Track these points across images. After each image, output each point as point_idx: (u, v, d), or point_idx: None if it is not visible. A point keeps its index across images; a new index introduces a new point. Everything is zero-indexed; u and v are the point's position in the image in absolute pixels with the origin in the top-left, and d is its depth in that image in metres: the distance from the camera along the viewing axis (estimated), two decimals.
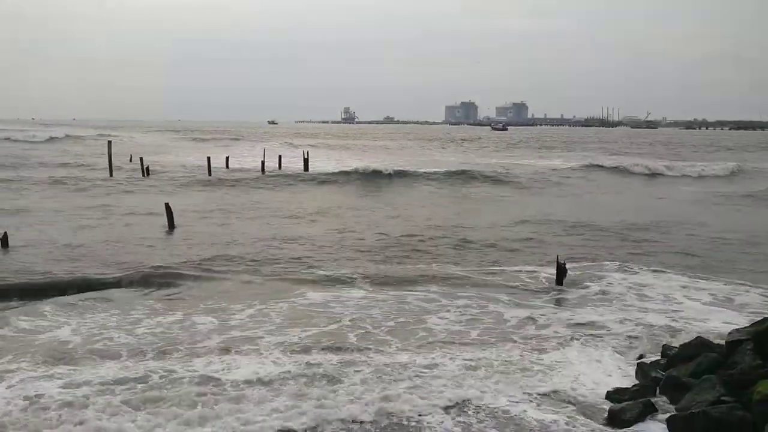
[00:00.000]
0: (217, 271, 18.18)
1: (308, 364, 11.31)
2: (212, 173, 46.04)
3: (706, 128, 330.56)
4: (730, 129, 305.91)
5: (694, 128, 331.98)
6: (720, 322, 13.85)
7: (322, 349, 12.32)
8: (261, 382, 10.60)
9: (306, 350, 12.25)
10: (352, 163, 58.45)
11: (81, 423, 8.99)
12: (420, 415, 9.67)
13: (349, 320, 14.18)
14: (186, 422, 9.18)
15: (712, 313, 14.79)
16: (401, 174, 46.58)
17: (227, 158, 52.46)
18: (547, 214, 30.31)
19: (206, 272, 18.03)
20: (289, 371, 11.02)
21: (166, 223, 25.11)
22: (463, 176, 46.66)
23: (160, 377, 10.64)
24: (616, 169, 55.74)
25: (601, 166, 57.57)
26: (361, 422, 9.45)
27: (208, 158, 47.94)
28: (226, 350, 12.17)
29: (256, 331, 13.43)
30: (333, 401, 9.94)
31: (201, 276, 17.61)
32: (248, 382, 10.52)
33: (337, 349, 12.32)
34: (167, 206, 25.59)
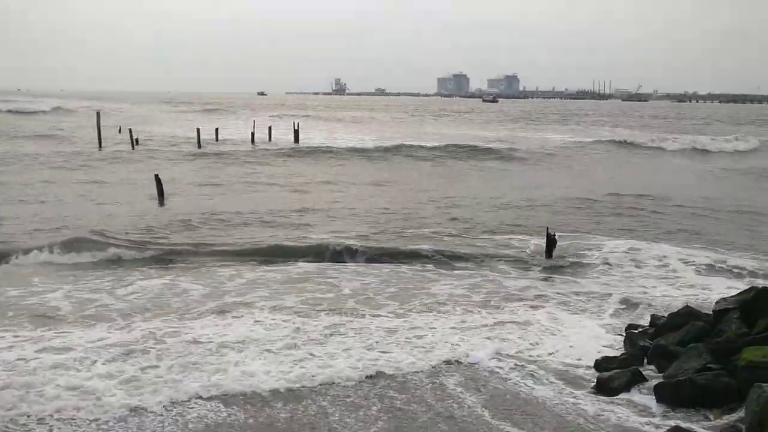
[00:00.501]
0: (209, 242, 18.16)
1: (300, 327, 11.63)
2: (201, 145, 45.84)
3: (697, 101, 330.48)
4: (720, 102, 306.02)
5: (686, 101, 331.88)
6: (710, 291, 14.07)
7: (321, 311, 12.72)
8: (251, 341, 11.01)
9: (302, 313, 12.57)
10: (345, 136, 58.43)
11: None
12: (407, 374, 10.00)
13: (349, 289, 14.46)
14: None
15: (702, 282, 15.06)
16: (400, 148, 45.54)
17: (216, 130, 52.11)
18: (554, 188, 30.46)
19: (197, 242, 18.04)
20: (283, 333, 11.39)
21: (156, 195, 25.05)
22: (469, 151, 45.51)
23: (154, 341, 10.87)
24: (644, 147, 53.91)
25: (629, 143, 55.39)
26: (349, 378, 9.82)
27: (198, 130, 47.67)
28: (220, 313, 12.47)
29: (250, 296, 13.68)
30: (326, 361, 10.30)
31: (192, 246, 17.61)
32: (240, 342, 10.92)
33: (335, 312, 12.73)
34: (157, 178, 25.49)
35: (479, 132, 69.61)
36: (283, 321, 12.07)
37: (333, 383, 9.62)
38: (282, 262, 16.35)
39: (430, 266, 16.45)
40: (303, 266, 16.16)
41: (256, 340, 11.09)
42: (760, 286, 11.09)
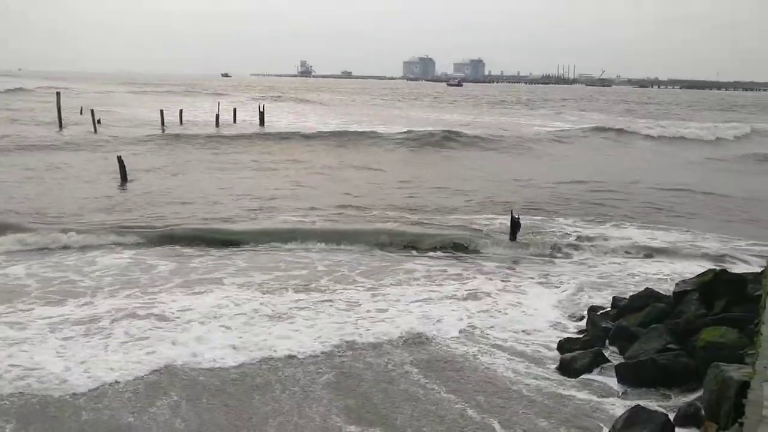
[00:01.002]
0: (173, 223, 17.99)
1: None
2: (165, 127, 45.24)
3: (659, 87, 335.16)
4: (681, 88, 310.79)
5: (647, 86, 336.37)
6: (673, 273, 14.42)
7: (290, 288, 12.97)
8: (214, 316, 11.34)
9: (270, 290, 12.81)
10: (315, 118, 58.03)
11: None
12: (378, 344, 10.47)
13: (323, 266, 14.81)
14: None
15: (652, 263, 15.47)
16: (370, 134, 43.41)
17: (180, 111, 51.34)
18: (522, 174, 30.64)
19: (162, 223, 17.87)
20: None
21: (119, 177, 24.70)
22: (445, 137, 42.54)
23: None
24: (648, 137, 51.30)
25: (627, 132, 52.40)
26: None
27: (161, 111, 46.92)
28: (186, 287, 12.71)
29: (218, 274, 13.85)
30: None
31: (157, 227, 17.44)
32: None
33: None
34: (119, 159, 25.12)
35: (456, 116, 69.30)
36: (251, 297, 12.33)
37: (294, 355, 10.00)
38: (250, 244, 16.37)
39: (393, 247, 16.65)
40: (266, 246, 16.25)
41: (218, 317, 11.29)
42: (718, 268, 11.40)
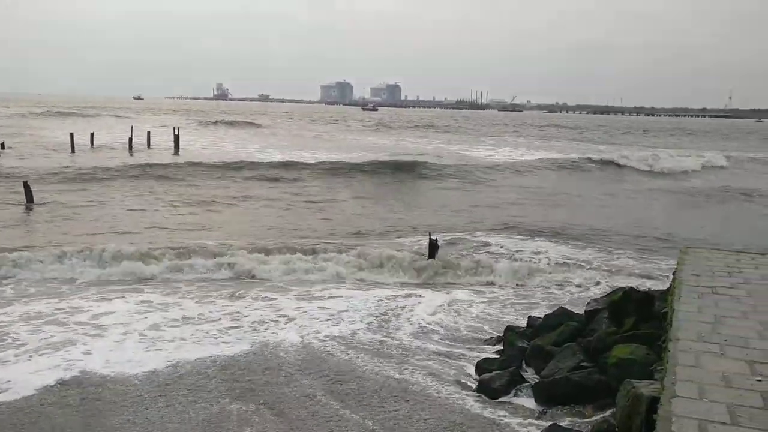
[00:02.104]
0: (80, 251, 17.26)
1: None
2: (75, 150, 43.87)
3: (567, 112, 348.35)
4: (588, 113, 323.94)
5: (556, 111, 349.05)
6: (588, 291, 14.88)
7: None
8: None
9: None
10: (229, 143, 57.17)
11: None
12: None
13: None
14: None
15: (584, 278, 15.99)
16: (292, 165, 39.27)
17: (92, 135, 49.78)
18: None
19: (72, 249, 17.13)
20: None
21: (24, 201, 23.70)
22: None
23: None
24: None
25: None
26: None
27: (71, 135, 45.44)
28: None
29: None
30: None
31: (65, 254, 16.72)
32: None
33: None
34: (25, 184, 24.15)
35: (407, 143, 69.12)
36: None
37: None
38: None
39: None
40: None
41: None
42: (627, 287, 11.82)
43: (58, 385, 9.46)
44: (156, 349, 10.96)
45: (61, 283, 14.84)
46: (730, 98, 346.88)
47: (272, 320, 12.65)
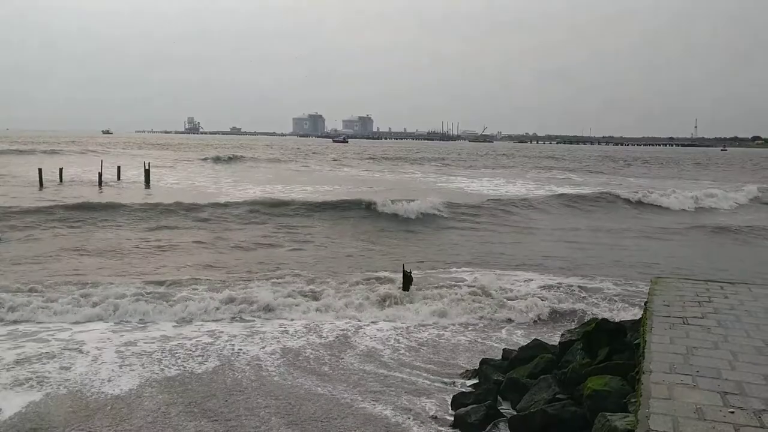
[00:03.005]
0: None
1: None
2: (44, 186, 43.35)
3: (537, 142, 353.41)
4: (557, 143, 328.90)
5: (526, 142, 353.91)
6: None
7: None
8: None
9: None
10: (203, 179, 56.65)
11: None
12: None
13: None
14: None
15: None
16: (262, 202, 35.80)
17: (61, 170, 49.20)
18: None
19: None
20: None
21: None
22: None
23: None
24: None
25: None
26: None
27: (40, 170, 44.93)
28: None
29: None
30: None
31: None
32: None
33: None
34: None
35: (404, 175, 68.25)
36: None
37: None
38: None
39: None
40: None
41: None
42: (600, 317, 11.91)
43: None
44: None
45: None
46: (695, 127, 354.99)
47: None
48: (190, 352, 12.72)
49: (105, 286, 16.72)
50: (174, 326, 14.54)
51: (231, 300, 16.07)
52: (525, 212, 37.72)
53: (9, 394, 10.42)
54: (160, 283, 17.55)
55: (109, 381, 11.11)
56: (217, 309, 15.61)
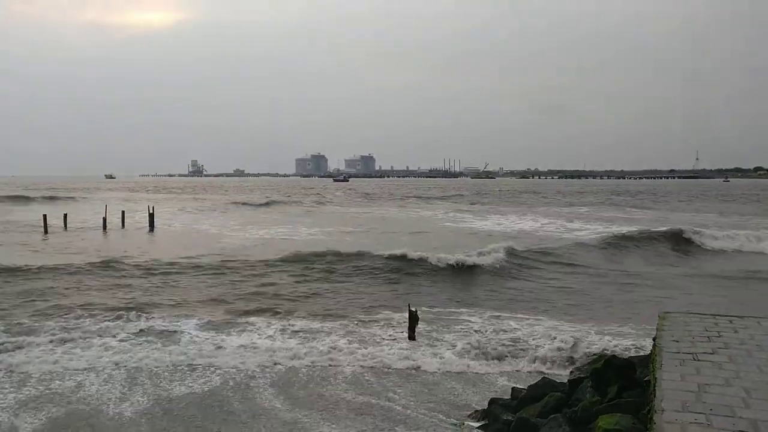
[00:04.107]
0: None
1: None
2: (48, 231, 43.48)
3: (539, 177, 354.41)
4: (559, 178, 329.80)
5: (528, 177, 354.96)
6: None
7: None
8: None
9: None
10: (209, 221, 56.63)
11: None
12: None
13: None
14: None
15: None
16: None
17: (65, 216, 49.45)
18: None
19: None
20: None
21: None
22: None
23: None
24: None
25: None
26: None
27: (44, 216, 45.21)
28: None
29: None
30: None
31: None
32: None
33: None
34: None
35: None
36: None
37: None
38: None
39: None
40: None
41: None
42: (609, 354, 11.76)
43: None
44: None
45: None
46: (697, 159, 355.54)
47: None
48: None
49: None
50: None
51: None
52: (598, 255, 33.56)
53: None
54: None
55: None
56: None
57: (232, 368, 14.40)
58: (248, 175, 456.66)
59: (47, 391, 12.74)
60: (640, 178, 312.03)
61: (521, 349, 15.74)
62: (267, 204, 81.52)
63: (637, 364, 10.79)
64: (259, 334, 17.10)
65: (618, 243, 37.05)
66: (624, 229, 43.22)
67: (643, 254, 35.11)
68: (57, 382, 13.34)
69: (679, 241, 38.29)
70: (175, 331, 17.23)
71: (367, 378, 13.95)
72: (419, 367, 14.70)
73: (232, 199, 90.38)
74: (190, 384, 13.37)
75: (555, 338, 16.39)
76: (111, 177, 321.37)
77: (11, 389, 12.81)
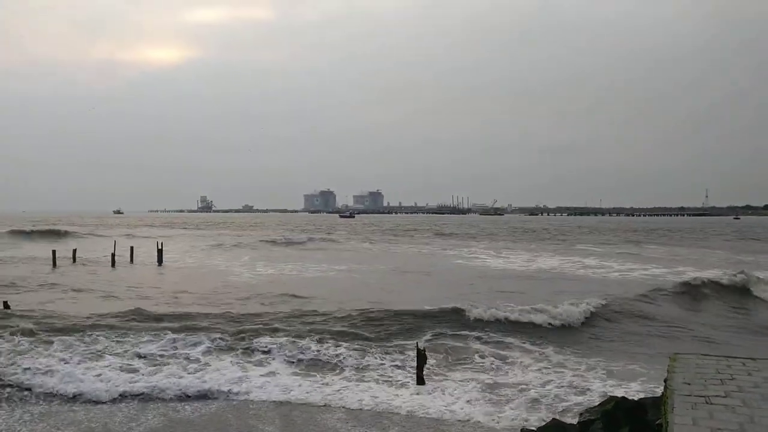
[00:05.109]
0: None
1: None
2: (57, 265, 43.90)
3: (548, 214, 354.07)
4: (568, 215, 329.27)
5: (537, 214, 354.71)
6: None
7: None
8: None
9: None
10: (218, 257, 56.67)
11: None
12: None
13: None
14: None
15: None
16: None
17: (74, 251, 49.76)
18: None
19: None
20: None
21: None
22: None
23: None
24: None
25: None
26: None
27: (54, 252, 45.62)
28: None
29: None
30: None
31: None
32: None
33: None
34: (5, 304, 23.84)
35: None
36: None
37: None
38: None
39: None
40: None
41: None
42: (619, 396, 11.60)
43: None
44: None
45: None
46: (706, 196, 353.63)
47: None
48: None
49: None
50: None
51: None
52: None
53: None
54: None
55: None
56: None
57: None
58: (257, 210, 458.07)
59: None
60: (649, 215, 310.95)
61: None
62: (308, 241, 79.47)
63: (648, 406, 10.65)
64: None
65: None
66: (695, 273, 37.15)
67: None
68: None
69: None
70: None
71: None
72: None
73: (258, 236, 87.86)
74: None
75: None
76: (119, 212, 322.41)
77: None
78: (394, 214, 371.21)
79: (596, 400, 13.11)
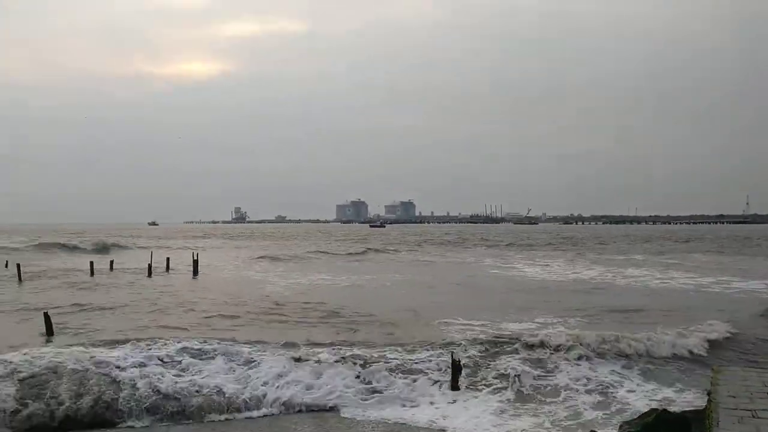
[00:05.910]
0: None
1: None
2: (94, 273, 45.04)
3: (582, 222, 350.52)
4: (603, 223, 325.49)
5: (571, 223, 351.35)
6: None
7: None
8: None
9: None
10: (252, 268, 57.03)
11: None
12: None
13: None
14: None
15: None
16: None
17: (111, 262, 50.80)
18: None
19: None
20: None
21: (45, 331, 23.59)
22: None
23: None
24: None
25: None
26: None
27: (91, 263, 46.66)
28: None
29: None
30: None
31: None
32: None
33: None
34: (46, 315, 24.09)
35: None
36: None
37: None
38: None
39: None
40: None
41: None
42: (660, 408, 11.39)
43: None
44: None
45: None
46: (747, 204, 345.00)
47: None
48: None
49: None
50: None
51: None
52: None
53: None
54: None
55: None
56: None
57: None
58: (290, 221, 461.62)
59: None
60: (686, 223, 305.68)
61: None
62: (364, 252, 79.01)
63: (691, 419, 10.42)
64: None
65: None
66: None
67: None
68: None
69: None
70: None
71: None
72: None
73: (306, 248, 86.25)
74: None
75: None
76: (154, 224, 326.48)
77: None
78: (426, 224, 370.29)
79: None
